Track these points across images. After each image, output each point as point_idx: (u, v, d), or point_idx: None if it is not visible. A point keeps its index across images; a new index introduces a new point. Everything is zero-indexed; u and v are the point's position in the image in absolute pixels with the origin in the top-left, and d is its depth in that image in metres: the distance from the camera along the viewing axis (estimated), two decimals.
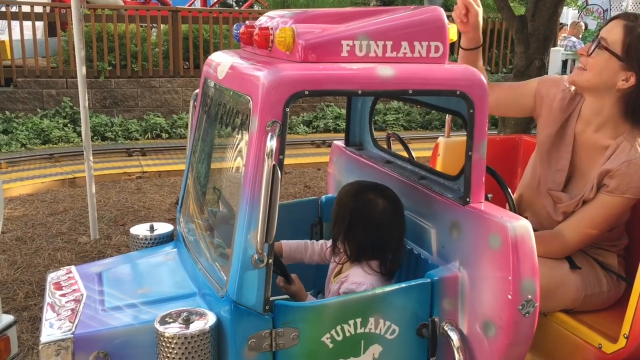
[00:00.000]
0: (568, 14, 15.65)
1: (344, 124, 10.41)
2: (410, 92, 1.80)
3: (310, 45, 1.76)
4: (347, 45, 1.78)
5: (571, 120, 2.36)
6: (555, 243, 2.24)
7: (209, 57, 2.27)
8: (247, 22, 2.10)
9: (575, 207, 2.27)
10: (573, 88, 2.37)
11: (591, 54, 2.19)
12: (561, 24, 11.87)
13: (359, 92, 1.77)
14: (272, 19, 1.99)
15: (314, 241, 2.34)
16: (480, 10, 2.32)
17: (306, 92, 1.69)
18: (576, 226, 2.24)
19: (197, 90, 2.38)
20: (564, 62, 11.02)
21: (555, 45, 9.61)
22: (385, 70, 1.76)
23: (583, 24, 13.26)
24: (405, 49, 1.82)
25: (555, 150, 2.38)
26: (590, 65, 2.20)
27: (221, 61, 2.08)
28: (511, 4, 5.54)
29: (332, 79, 1.73)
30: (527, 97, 2.48)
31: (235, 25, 2.15)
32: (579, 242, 2.25)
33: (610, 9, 17.50)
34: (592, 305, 2.30)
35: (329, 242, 2.29)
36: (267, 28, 1.91)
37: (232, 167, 2.03)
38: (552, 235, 2.27)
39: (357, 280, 1.98)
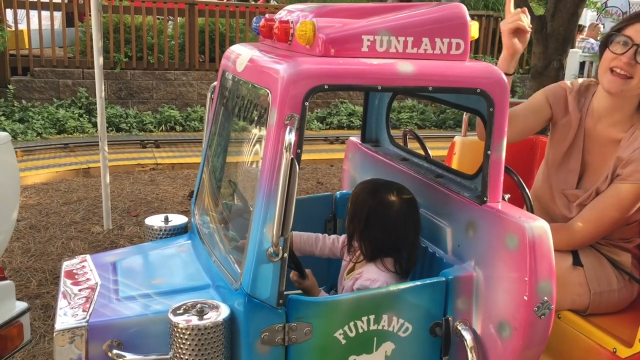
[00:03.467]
0: (587, 16, 15.49)
1: (358, 120, 10.44)
2: (430, 89, 1.79)
3: (330, 39, 1.75)
4: (368, 40, 1.77)
5: (582, 118, 2.37)
6: (562, 234, 2.20)
7: (228, 50, 2.26)
8: (266, 15, 2.09)
9: (589, 199, 2.26)
10: (575, 86, 2.38)
11: None
12: (579, 25, 11.75)
13: (379, 87, 1.75)
14: (292, 12, 1.98)
15: (326, 235, 2.33)
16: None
17: (326, 87, 1.69)
18: (586, 217, 2.23)
19: (215, 83, 2.38)
20: (582, 64, 10.91)
21: (573, 46, 9.52)
22: (406, 66, 1.75)
23: (601, 26, 13.13)
24: (426, 45, 1.81)
25: (568, 152, 2.37)
26: None
27: (240, 54, 2.08)
28: (530, 4, 5.50)
29: (352, 73, 1.72)
30: (544, 109, 2.43)
31: (254, 18, 2.15)
32: (589, 234, 2.23)
33: (630, 12, 17.30)
34: (605, 306, 2.28)
35: (341, 237, 2.28)
36: (287, 21, 1.91)
37: (249, 160, 2.02)
38: (561, 226, 2.26)
39: (371, 277, 1.97)
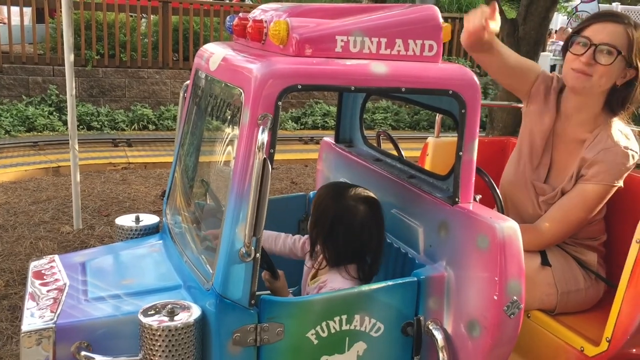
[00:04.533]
0: (557, 20, 15.75)
1: (333, 121, 10.42)
2: (403, 90, 1.80)
3: (304, 39, 1.75)
4: (342, 40, 1.78)
5: (557, 114, 2.41)
6: (530, 234, 2.23)
7: (201, 49, 2.24)
8: (240, 14, 2.08)
9: (555, 198, 2.30)
10: (559, 83, 2.41)
11: (611, 63, 2.18)
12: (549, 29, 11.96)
13: (352, 88, 1.76)
14: (266, 11, 1.98)
15: (289, 235, 2.32)
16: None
17: (299, 86, 1.68)
18: (553, 217, 2.27)
19: (188, 82, 2.36)
20: (552, 67, 11.12)
21: (544, 50, 9.69)
22: (379, 67, 1.76)
23: (570, 30, 13.39)
24: (399, 46, 1.82)
25: (545, 144, 2.41)
26: (602, 72, 2.20)
27: (213, 53, 2.07)
28: (502, 7, 5.57)
29: (326, 73, 1.72)
30: (530, 78, 2.44)
31: (228, 17, 2.13)
32: (556, 233, 2.27)
33: None
34: (572, 305, 2.33)
35: (302, 238, 2.28)
36: (261, 21, 1.90)
37: (222, 160, 2.01)
38: (529, 226, 2.29)
39: (335, 286, 1.95)
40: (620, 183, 2.24)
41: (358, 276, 1.99)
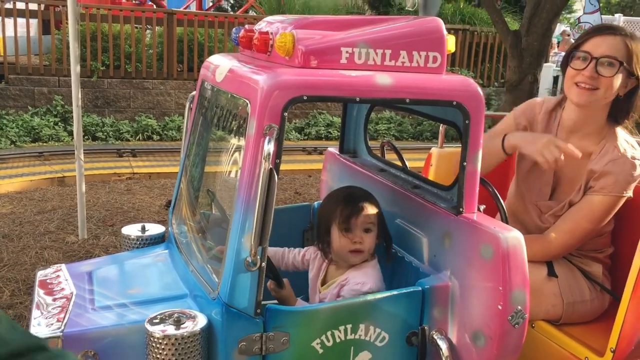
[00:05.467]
0: (560, 28, 15.81)
1: (336, 131, 10.42)
2: (407, 101, 1.82)
3: (310, 51, 1.78)
4: (347, 52, 1.80)
5: (552, 133, 2.41)
6: (538, 245, 2.25)
7: (207, 60, 2.27)
8: (246, 26, 2.11)
9: (562, 210, 2.31)
10: (545, 106, 2.44)
11: (614, 75, 2.21)
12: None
13: (357, 99, 1.78)
14: (271, 23, 2.00)
15: (292, 249, 2.35)
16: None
17: (305, 97, 1.70)
18: (560, 228, 2.28)
19: (194, 92, 2.39)
20: (555, 78, 11.13)
21: (547, 61, 9.72)
22: (384, 79, 1.78)
23: (572, 40, 13.43)
24: (403, 58, 1.84)
25: (537, 165, 2.41)
26: (607, 84, 2.23)
27: (219, 64, 2.09)
28: (505, 19, 5.61)
29: (331, 85, 1.74)
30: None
31: (234, 28, 2.16)
32: (563, 244, 2.28)
33: None
34: (577, 316, 2.33)
35: (302, 251, 2.31)
36: (267, 33, 1.92)
37: (228, 170, 2.03)
38: (536, 237, 2.30)
39: (359, 280, 2.00)
40: (629, 193, 2.24)
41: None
